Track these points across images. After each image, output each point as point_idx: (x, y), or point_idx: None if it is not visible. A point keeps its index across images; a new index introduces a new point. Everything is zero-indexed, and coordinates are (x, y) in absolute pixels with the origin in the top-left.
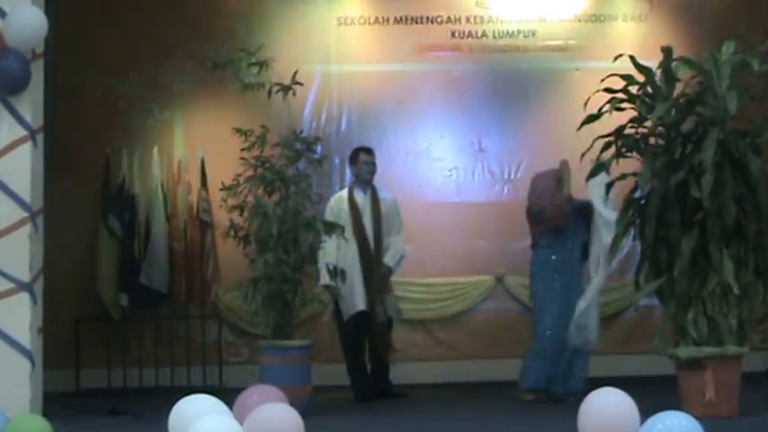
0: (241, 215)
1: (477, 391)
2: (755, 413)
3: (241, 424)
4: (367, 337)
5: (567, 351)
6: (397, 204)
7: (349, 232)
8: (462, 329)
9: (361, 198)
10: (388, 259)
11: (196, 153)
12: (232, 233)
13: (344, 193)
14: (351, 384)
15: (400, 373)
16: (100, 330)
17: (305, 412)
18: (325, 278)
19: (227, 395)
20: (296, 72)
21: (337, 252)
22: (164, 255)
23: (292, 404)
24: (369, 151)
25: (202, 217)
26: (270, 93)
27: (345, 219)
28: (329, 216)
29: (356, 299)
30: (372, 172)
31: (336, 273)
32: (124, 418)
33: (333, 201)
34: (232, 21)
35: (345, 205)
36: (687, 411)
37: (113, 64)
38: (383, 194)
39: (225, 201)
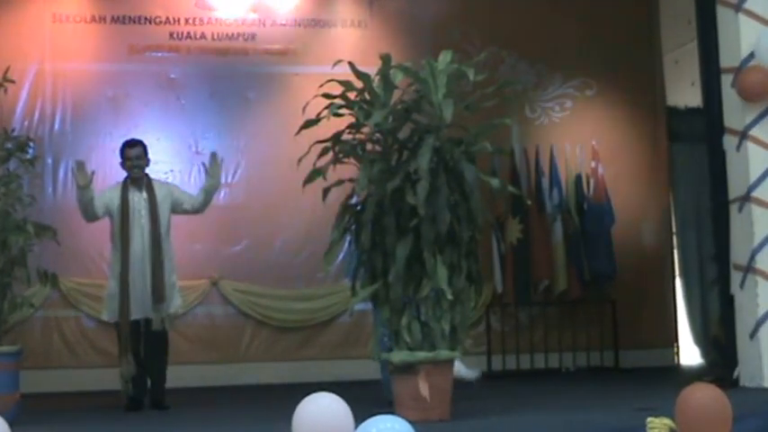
0: None
1: (193, 395)
2: (466, 416)
3: None
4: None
5: None
6: (176, 187)
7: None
8: (178, 334)
9: (137, 197)
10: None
11: None
12: None
13: (118, 189)
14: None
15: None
16: None
17: (13, 421)
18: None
19: None
20: (8, 69)
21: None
22: None
23: None
24: (134, 144)
25: None
26: None
27: (115, 217)
28: (99, 204)
29: (132, 306)
30: (140, 167)
31: (48, 276)
32: None
33: (108, 191)
34: None
35: (116, 203)
36: (400, 415)
37: None
38: (158, 185)
39: None
